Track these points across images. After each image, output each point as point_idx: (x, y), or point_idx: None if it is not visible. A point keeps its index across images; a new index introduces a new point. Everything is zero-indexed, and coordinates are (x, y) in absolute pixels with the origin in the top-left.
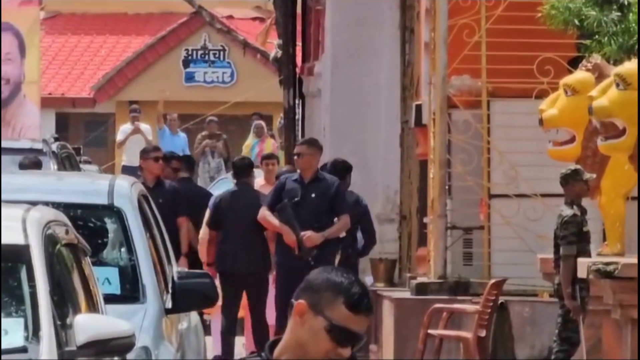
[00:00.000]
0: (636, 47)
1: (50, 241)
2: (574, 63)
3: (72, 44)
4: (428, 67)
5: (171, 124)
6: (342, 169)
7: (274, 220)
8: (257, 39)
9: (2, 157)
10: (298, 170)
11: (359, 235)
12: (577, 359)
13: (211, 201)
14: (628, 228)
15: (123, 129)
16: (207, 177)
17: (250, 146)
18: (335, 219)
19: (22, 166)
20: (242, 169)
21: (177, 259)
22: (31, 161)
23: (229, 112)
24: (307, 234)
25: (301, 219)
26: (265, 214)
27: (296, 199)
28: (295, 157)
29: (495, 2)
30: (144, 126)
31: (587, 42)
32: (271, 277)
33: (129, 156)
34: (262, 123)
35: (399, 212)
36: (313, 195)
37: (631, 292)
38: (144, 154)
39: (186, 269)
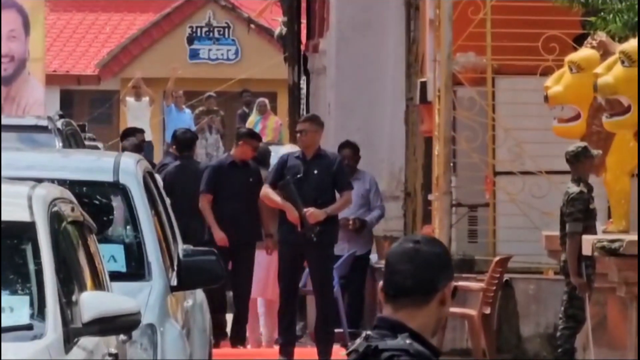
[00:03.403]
0: None
1: (56, 218)
2: (579, 40)
3: (77, 21)
4: (433, 44)
5: (177, 100)
6: None
7: (276, 198)
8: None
9: (8, 134)
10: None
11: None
12: (582, 337)
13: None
14: (633, 205)
15: (129, 101)
16: (204, 153)
17: (253, 123)
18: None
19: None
20: (185, 143)
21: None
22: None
23: (233, 89)
24: (310, 211)
25: (304, 196)
26: (267, 192)
27: (299, 176)
28: (298, 135)
29: None
30: (144, 98)
31: (592, 19)
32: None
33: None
34: (265, 100)
35: (404, 189)
36: (315, 171)
37: (636, 269)
38: (248, 137)
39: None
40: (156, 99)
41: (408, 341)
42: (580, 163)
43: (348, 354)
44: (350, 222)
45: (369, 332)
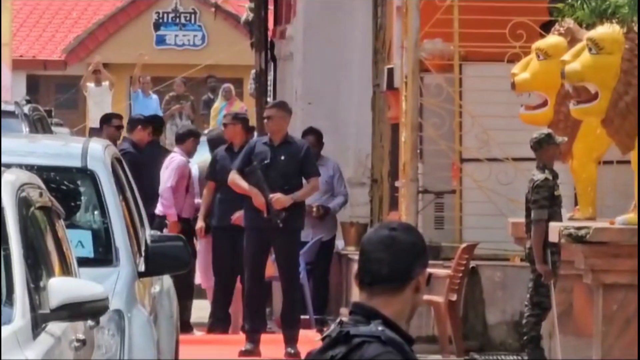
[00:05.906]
0: (609, 11)
1: (24, 204)
2: (547, 27)
3: (44, 6)
4: (400, 31)
5: (144, 86)
6: None
7: (243, 183)
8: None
9: None
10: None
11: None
12: (548, 324)
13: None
14: (599, 192)
15: (90, 87)
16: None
17: (219, 109)
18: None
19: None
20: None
21: None
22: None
23: (199, 75)
24: (276, 196)
25: (271, 182)
26: (234, 177)
27: (266, 162)
28: (265, 120)
29: None
30: (104, 83)
31: (560, 5)
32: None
33: (95, 119)
34: (231, 86)
35: (370, 175)
36: (283, 157)
37: (602, 256)
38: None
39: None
40: (122, 84)
41: (380, 328)
42: (544, 150)
43: (323, 339)
44: (314, 209)
45: (343, 318)
